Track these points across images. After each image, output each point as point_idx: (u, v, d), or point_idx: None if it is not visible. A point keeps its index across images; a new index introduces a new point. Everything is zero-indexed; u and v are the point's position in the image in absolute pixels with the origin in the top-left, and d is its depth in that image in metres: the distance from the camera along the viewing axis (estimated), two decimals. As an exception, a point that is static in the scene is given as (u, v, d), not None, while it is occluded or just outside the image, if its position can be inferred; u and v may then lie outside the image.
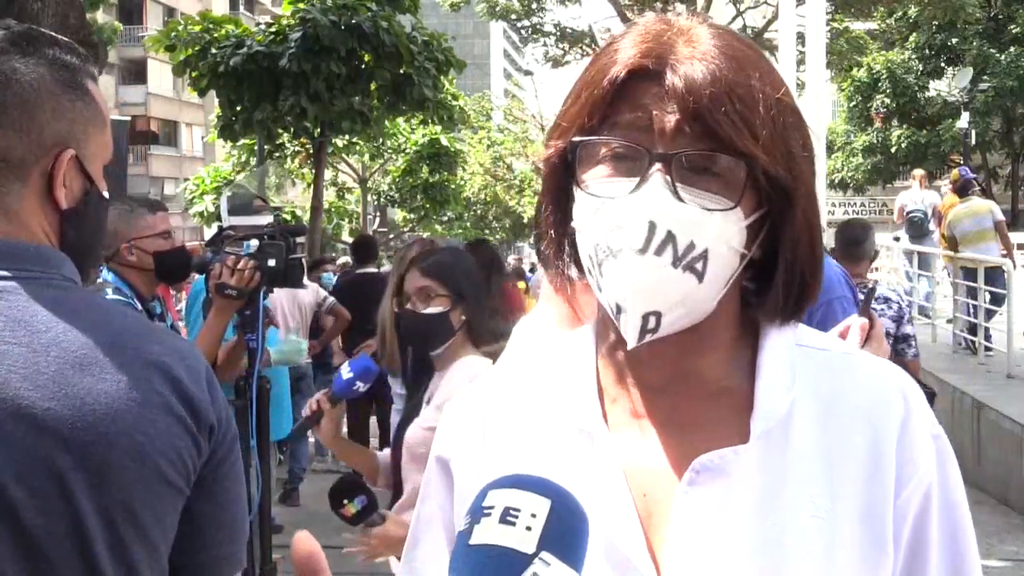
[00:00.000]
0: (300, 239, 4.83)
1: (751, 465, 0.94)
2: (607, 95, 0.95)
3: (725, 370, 1.00)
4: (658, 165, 0.91)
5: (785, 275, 0.98)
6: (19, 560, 1.13)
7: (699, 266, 0.92)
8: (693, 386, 0.99)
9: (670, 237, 0.91)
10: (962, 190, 10.61)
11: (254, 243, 3.63)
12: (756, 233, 0.96)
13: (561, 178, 1.00)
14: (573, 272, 1.04)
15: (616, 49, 0.96)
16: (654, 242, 0.91)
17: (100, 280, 3.39)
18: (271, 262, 3.56)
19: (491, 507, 0.82)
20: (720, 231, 0.92)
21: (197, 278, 4.62)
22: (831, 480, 0.94)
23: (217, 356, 3.59)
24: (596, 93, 0.95)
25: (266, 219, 5.17)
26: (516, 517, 0.80)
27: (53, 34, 1.30)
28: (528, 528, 0.80)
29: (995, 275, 9.73)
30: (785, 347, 1.00)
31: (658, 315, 0.93)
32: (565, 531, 0.81)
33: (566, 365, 1.05)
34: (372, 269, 8.08)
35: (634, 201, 0.91)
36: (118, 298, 3.25)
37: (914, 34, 28.77)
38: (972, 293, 9.88)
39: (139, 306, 3.31)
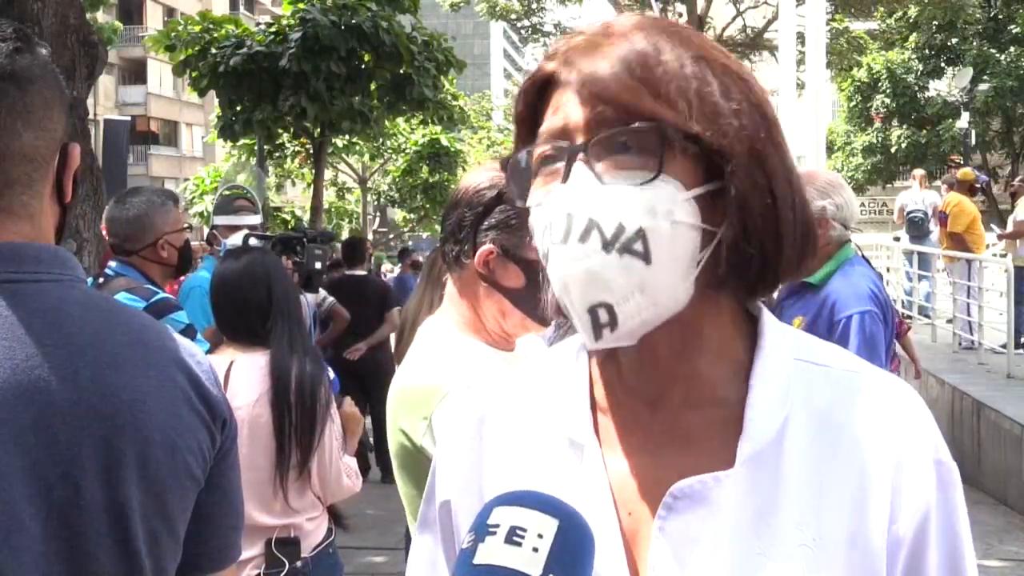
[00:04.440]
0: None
1: (735, 491, 0.89)
2: (525, 110, 0.96)
3: (718, 376, 0.94)
4: (580, 156, 0.88)
5: (728, 251, 0.89)
6: (65, 558, 1.14)
7: (638, 247, 0.86)
8: (684, 395, 0.94)
9: (592, 223, 0.86)
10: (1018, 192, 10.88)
11: (230, 241, 3.60)
12: (721, 208, 0.89)
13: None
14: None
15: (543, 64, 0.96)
16: (574, 231, 0.87)
17: (111, 273, 3.38)
18: (317, 264, 3.56)
19: (496, 525, 0.79)
20: (652, 206, 0.86)
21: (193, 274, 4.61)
22: (820, 505, 0.89)
23: None
24: (518, 109, 0.98)
25: (249, 219, 5.16)
26: (523, 537, 0.78)
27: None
28: (535, 549, 0.77)
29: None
30: (781, 361, 0.94)
31: (609, 307, 0.87)
32: (572, 553, 0.78)
33: (560, 374, 1.01)
34: (361, 272, 8.02)
35: (556, 197, 0.89)
36: (154, 289, 3.31)
37: (914, 34, 28.72)
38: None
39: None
